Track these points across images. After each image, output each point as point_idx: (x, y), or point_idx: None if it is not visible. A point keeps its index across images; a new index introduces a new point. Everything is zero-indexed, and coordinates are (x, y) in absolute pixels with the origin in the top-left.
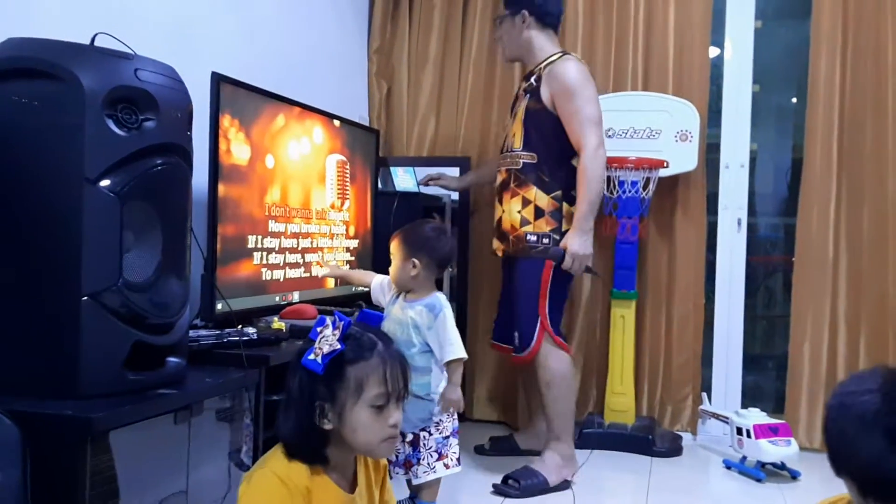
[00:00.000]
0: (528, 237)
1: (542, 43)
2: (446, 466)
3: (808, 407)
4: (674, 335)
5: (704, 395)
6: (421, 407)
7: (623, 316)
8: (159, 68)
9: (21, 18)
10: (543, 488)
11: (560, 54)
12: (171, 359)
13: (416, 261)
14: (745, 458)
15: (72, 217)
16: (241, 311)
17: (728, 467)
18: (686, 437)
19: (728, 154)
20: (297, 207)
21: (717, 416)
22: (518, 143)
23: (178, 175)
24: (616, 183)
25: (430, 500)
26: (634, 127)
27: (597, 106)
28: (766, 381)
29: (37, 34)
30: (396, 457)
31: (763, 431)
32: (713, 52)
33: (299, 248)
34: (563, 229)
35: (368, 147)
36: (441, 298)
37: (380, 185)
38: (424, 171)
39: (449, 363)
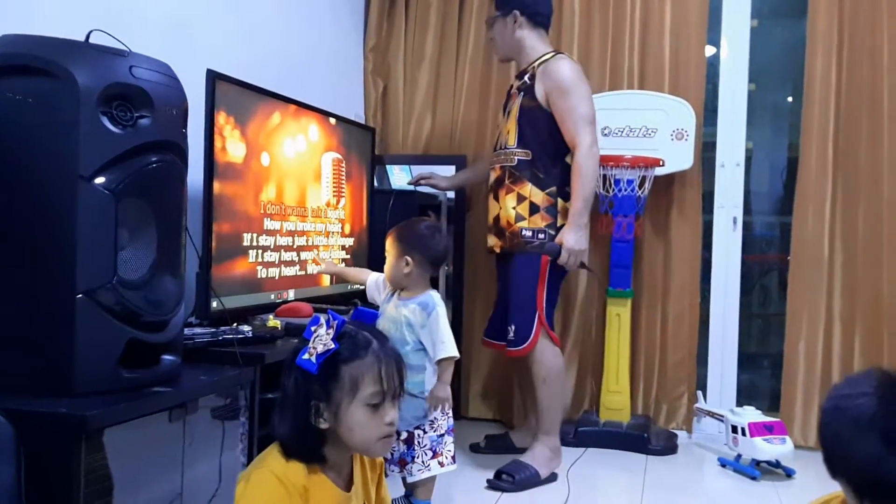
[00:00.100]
0: (524, 232)
1: (534, 42)
2: (441, 464)
3: (803, 405)
4: (669, 333)
5: (700, 393)
6: (415, 405)
7: (619, 314)
8: (154, 65)
9: (16, 15)
10: (536, 481)
11: (553, 53)
12: (166, 357)
13: (409, 259)
14: (740, 456)
15: (66, 214)
16: (237, 309)
17: (723, 465)
18: (681, 436)
19: (724, 153)
20: (293, 205)
21: (712, 415)
22: (512, 140)
23: (173, 172)
24: (612, 181)
25: (425, 499)
26: (630, 125)
27: (591, 104)
28: (761, 379)
29: (32, 31)
30: (391, 455)
31: (758, 430)
32: (709, 50)
33: (294, 246)
34: (558, 225)
35: (364, 145)
36: (434, 297)
37: (375, 184)
38: (420, 170)
39: (440, 361)
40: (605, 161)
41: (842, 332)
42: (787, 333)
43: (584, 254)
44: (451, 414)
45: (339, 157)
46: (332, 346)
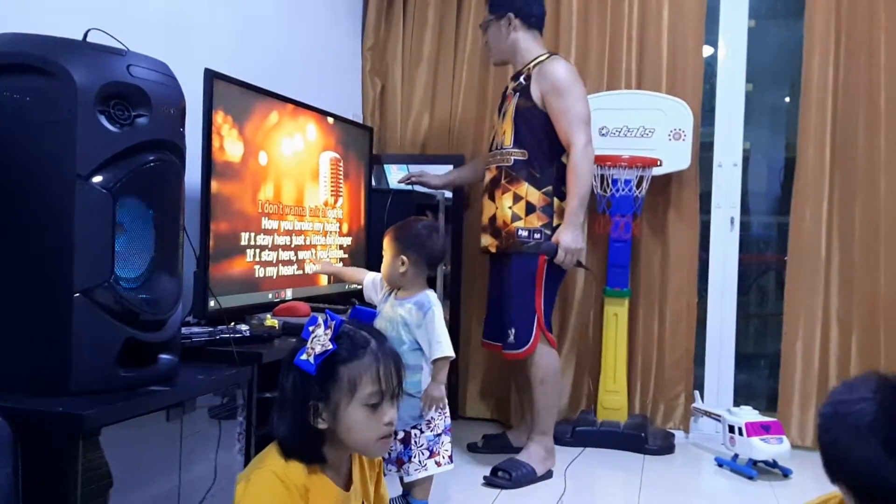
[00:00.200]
0: (520, 232)
1: (528, 44)
2: (438, 464)
3: (800, 405)
4: (666, 333)
5: (697, 393)
6: (412, 405)
7: (616, 314)
8: (152, 64)
9: (14, 14)
10: (532, 478)
11: (548, 54)
12: (164, 356)
13: (405, 258)
14: (737, 455)
15: (64, 213)
16: (234, 309)
17: (720, 465)
18: (678, 435)
19: (721, 153)
20: (291, 205)
21: (709, 414)
22: (508, 140)
23: (170, 172)
24: (609, 181)
25: (423, 498)
26: (628, 125)
27: (585, 105)
28: (758, 379)
29: (30, 30)
30: (389, 454)
31: (755, 429)
32: (707, 50)
33: (292, 246)
34: (554, 224)
35: (362, 144)
36: (431, 296)
37: (373, 183)
38: (415, 169)
39: (435, 361)
40: (602, 161)
41: (839, 331)
42: (785, 333)
43: (580, 252)
44: (448, 414)
45: (337, 156)
46: (330, 346)
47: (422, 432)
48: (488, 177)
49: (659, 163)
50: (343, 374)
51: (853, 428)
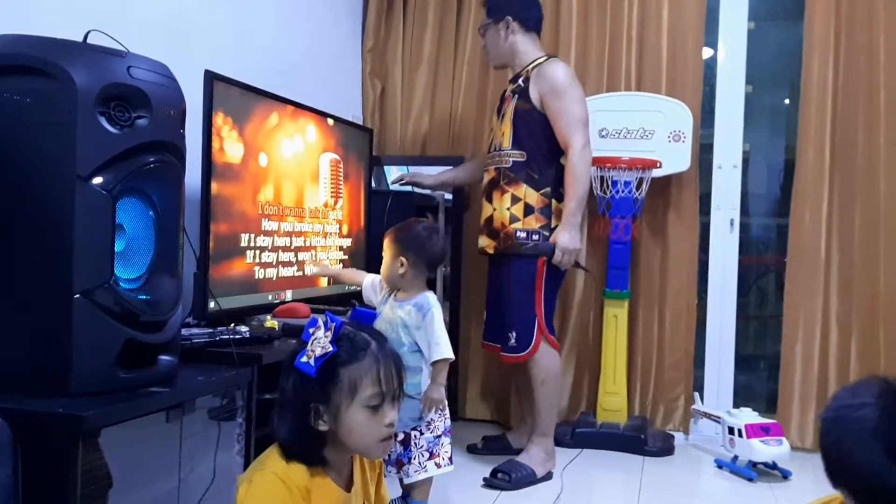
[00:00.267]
0: (518, 234)
1: (527, 47)
2: (438, 466)
3: (799, 407)
4: (666, 335)
5: (696, 394)
6: (412, 406)
7: (616, 315)
8: (152, 66)
9: (14, 15)
10: (532, 480)
11: (546, 57)
12: (164, 357)
13: (404, 259)
14: (736, 457)
15: (64, 214)
16: (234, 310)
17: (720, 467)
18: (678, 437)
19: (721, 154)
20: (291, 206)
21: (708, 416)
22: (507, 142)
23: (170, 173)
24: (609, 183)
25: (422, 500)
26: (628, 127)
27: (584, 107)
28: (757, 380)
29: (30, 31)
30: (388, 456)
31: (754, 431)
32: (706, 52)
33: (292, 247)
34: (552, 226)
35: (362, 146)
36: (430, 298)
37: (373, 184)
38: (417, 171)
39: (435, 363)
40: (602, 162)
41: (838, 333)
42: (784, 335)
43: (577, 253)
44: (448, 415)
45: (337, 157)
46: (331, 348)
47: (421, 434)
48: (486, 178)
49: (659, 164)
50: (343, 376)
51: (856, 433)
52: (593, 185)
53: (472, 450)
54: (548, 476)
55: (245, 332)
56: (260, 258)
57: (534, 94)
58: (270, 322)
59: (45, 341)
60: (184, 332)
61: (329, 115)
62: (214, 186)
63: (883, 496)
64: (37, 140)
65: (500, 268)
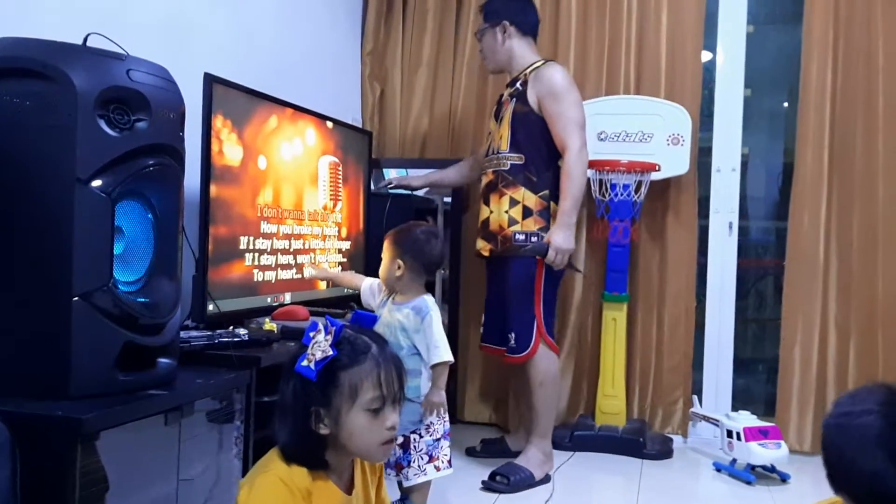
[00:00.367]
0: (517, 236)
1: (524, 51)
2: (437, 469)
3: (798, 410)
4: (665, 338)
5: (695, 397)
6: (411, 409)
7: (615, 318)
8: (152, 69)
9: (14, 18)
10: (530, 483)
11: (544, 61)
12: (162, 360)
13: (401, 262)
14: (735, 460)
15: (63, 217)
16: (233, 313)
17: (718, 470)
18: (676, 440)
19: (720, 158)
20: (290, 209)
21: (707, 419)
22: (505, 145)
23: (169, 176)
24: (608, 186)
25: (421, 503)
26: (627, 130)
27: (581, 110)
28: (756, 384)
29: (30, 34)
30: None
31: (753, 434)
32: (705, 56)
33: (291, 250)
34: (551, 228)
35: (361, 149)
36: (428, 301)
37: (372, 187)
38: (417, 174)
39: (435, 366)
40: (601, 165)
41: (837, 336)
42: (783, 338)
43: (571, 252)
44: (447, 418)
45: (336, 160)
46: (331, 352)
47: (421, 437)
48: (484, 181)
49: (657, 168)
50: (344, 380)
51: (859, 440)
52: (592, 187)
53: (470, 452)
54: (546, 479)
55: (244, 335)
56: (259, 261)
57: (532, 98)
58: (269, 325)
59: (43, 344)
60: (182, 334)
61: (328, 117)
62: (213, 189)
63: (885, 501)
64: (36, 143)
65: (499, 270)
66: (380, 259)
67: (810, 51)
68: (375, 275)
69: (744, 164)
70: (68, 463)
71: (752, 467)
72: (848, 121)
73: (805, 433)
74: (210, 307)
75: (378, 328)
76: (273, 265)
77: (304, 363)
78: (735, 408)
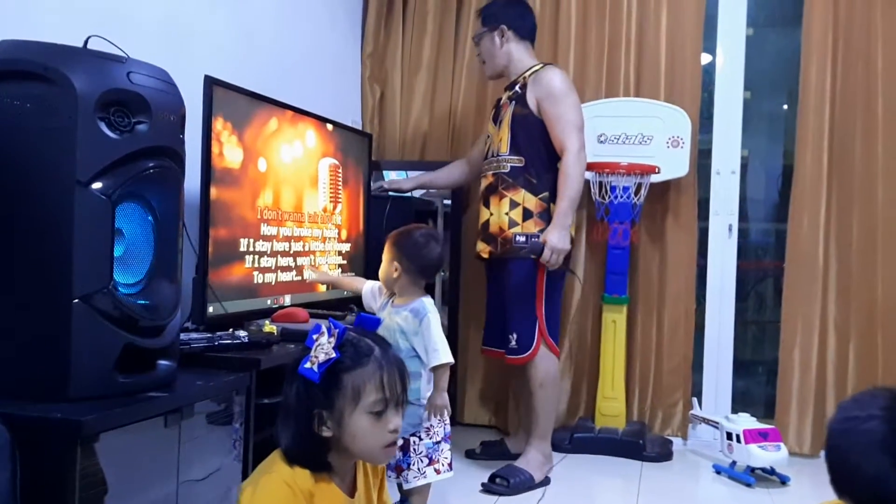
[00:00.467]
0: (517, 238)
1: (522, 55)
2: (437, 472)
3: (797, 412)
4: (665, 340)
5: (695, 399)
6: (411, 412)
7: (614, 321)
8: (152, 71)
9: (15, 21)
10: (530, 485)
11: (542, 64)
12: (162, 362)
13: (398, 265)
14: (734, 462)
15: (63, 220)
16: (233, 315)
17: (718, 472)
18: (676, 442)
19: (719, 160)
20: (290, 211)
21: (707, 421)
22: (505, 147)
23: (170, 178)
24: (608, 188)
25: None
26: (626, 133)
27: (580, 112)
28: (756, 386)
29: (30, 37)
30: None
31: (753, 436)
32: (705, 58)
33: (291, 252)
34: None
35: (361, 151)
36: (426, 303)
37: (374, 192)
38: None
39: (435, 368)
40: (601, 168)
41: (836, 339)
42: (782, 340)
43: (566, 252)
44: (447, 421)
45: (336, 162)
46: (334, 354)
47: (421, 440)
48: (484, 183)
49: (657, 170)
50: (347, 382)
51: (863, 445)
52: (592, 189)
53: (470, 455)
54: (546, 481)
55: (244, 337)
56: (259, 263)
57: (531, 100)
58: (269, 327)
59: (43, 346)
60: (182, 336)
61: (328, 120)
62: (214, 191)
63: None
64: (37, 145)
65: (499, 272)
66: (380, 261)
67: (810, 53)
68: (376, 277)
69: (743, 167)
70: (68, 465)
71: (752, 469)
72: (847, 123)
73: (805, 435)
74: (210, 309)
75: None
76: (273, 267)
77: (308, 365)
78: (735, 410)
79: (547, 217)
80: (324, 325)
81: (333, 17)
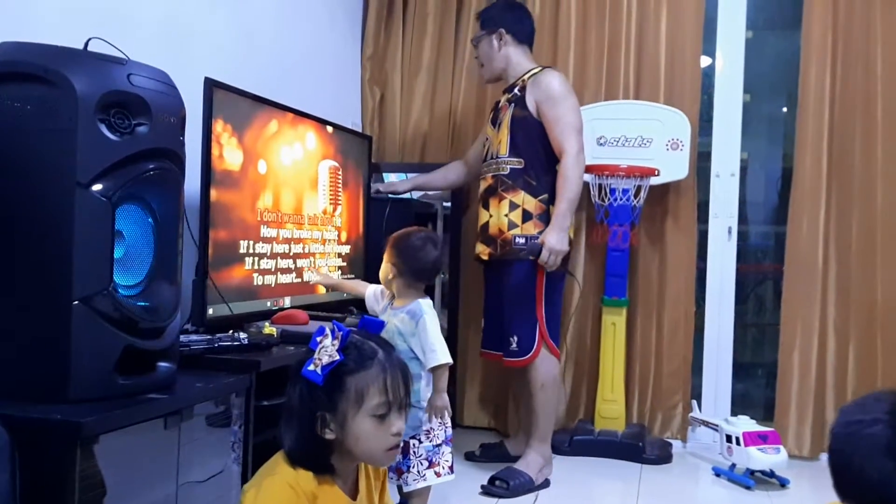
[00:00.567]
0: (517, 240)
1: (520, 59)
2: (437, 475)
3: (797, 415)
4: (664, 342)
5: (694, 402)
6: (410, 415)
7: (614, 323)
8: (152, 73)
9: (15, 23)
10: (530, 487)
11: (541, 67)
12: (162, 364)
13: (394, 267)
14: (734, 465)
15: (64, 221)
16: (233, 316)
17: (717, 475)
18: (676, 445)
19: (719, 163)
20: (290, 213)
21: (706, 424)
22: (504, 149)
23: (170, 180)
24: (607, 190)
25: None
26: (626, 135)
27: (578, 115)
28: (755, 388)
29: (31, 39)
30: None
31: (752, 439)
32: (705, 61)
33: (291, 254)
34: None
35: (361, 153)
36: (423, 305)
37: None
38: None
39: (433, 369)
40: (600, 170)
41: (836, 341)
42: (782, 343)
43: (564, 254)
44: (449, 424)
45: (336, 164)
46: (338, 357)
47: (420, 442)
48: (483, 185)
49: (657, 172)
50: (350, 385)
51: (868, 449)
52: (591, 192)
53: (469, 457)
54: (545, 483)
55: (243, 339)
56: (258, 265)
57: (530, 102)
58: (269, 329)
59: (43, 347)
60: (182, 338)
61: (328, 122)
62: (214, 193)
63: None
64: (37, 147)
65: (499, 274)
66: (379, 263)
67: (809, 56)
68: (376, 279)
69: (743, 169)
70: (67, 466)
71: (752, 472)
72: (847, 126)
73: (804, 438)
74: (210, 311)
75: None
76: (273, 269)
77: (311, 368)
78: (734, 412)
79: (546, 219)
80: (327, 327)
81: (333, 19)
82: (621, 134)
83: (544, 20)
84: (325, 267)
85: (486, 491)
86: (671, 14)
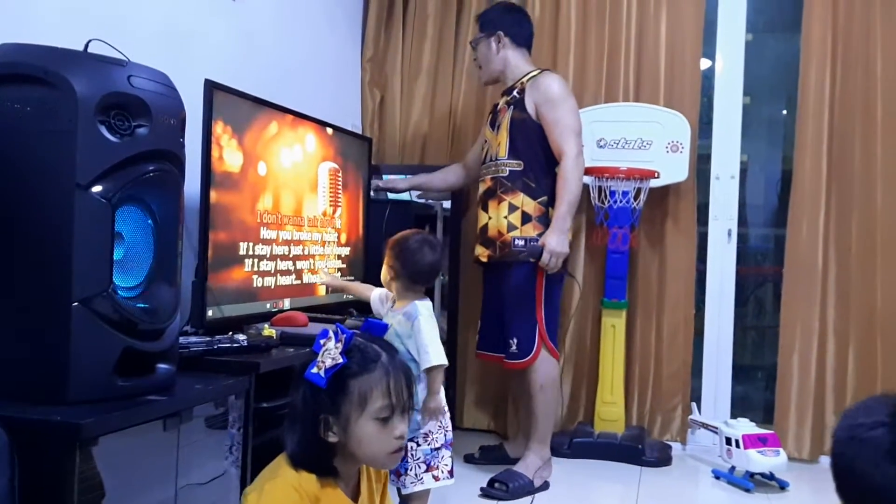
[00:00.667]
0: (516, 242)
1: (519, 61)
2: (435, 479)
3: (796, 417)
4: (664, 345)
5: (694, 404)
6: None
7: (614, 325)
8: (152, 75)
9: (15, 24)
10: (529, 490)
11: (540, 70)
12: (161, 365)
13: (392, 269)
14: (733, 468)
15: (63, 223)
16: (232, 318)
17: (717, 477)
18: (675, 447)
19: (719, 165)
20: (289, 215)
21: (706, 426)
22: (503, 151)
23: (170, 181)
24: (607, 193)
25: None
26: (626, 137)
27: (577, 117)
28: (755, 391)
29: (31, 40)
30: None
31: (752, 442)
32: (704, 63)
33: (290, 256)
34: (546, 232)
35: (361, 155)
36: (419, 306)
37: (372, 193)
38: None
39: (428, 371)
40: (600, 172)
41: (836, 344)
42: (781, 345)
43: (564, 256)
44: (449, 427)
45: (336, 166)
46: (341, 360)
47: (418, 445)
48: (482, 188)
49: (656, 175)
50: (353, 388)
51: (870, 453)
52: (591, 194)
53: (469, 459)
54: (545, 486)
55: (243, 341)
56: (258, 267)
57: (529, 105)
58: (268, 330)
59: (43, 349)
60: (182, 340)
61: (328, 124)
62: (213, 195)
63: None
64: (37, 148)
65: (498, 276)
66: (379, 265)
67: (809, 58)
68: (375, 280)
69: (743, 172)
70: (67, 468)
71: (751, 475)
72: (846, 128)
73: (804, 440)
74: (210, 313)
75: None
76: (272, 271)
77: (314, 370)
78: (734, 415)
79: (545, 221)
80: (331, 330)
81: (333, 21)
82: (621, 136)
83: (544, 23)
84: (325, 268)
85: (486, 493)
86: (671, 16)
